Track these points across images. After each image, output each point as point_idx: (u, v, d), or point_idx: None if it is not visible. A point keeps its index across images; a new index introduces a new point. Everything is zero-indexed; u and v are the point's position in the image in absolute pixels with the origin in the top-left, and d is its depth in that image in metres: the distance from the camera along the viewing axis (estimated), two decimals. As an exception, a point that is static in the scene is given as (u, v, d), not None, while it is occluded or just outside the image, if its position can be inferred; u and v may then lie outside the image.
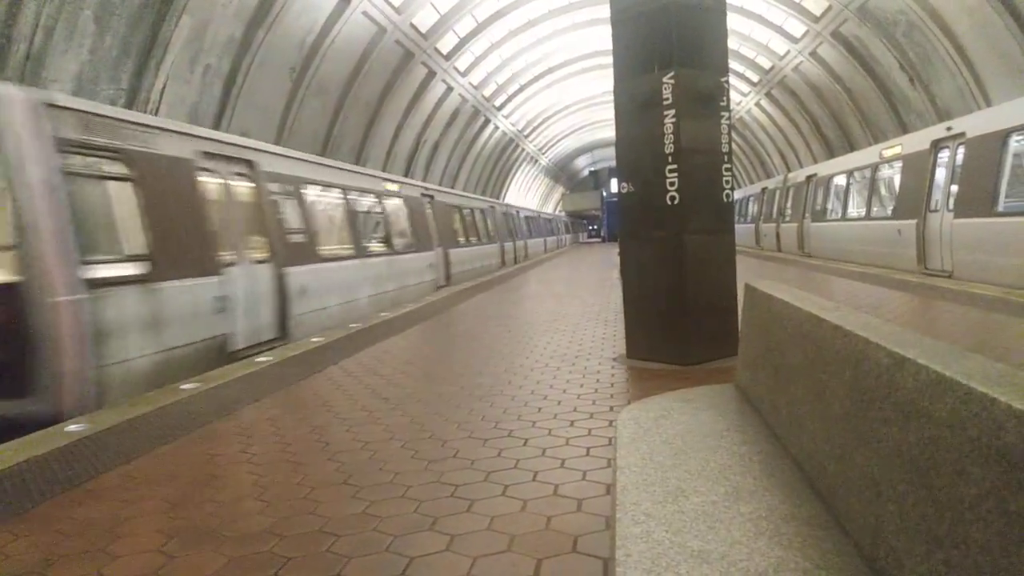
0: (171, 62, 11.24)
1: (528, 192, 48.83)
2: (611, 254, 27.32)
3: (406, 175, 22.49)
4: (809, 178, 21.69)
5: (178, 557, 2.86)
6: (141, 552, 2.93)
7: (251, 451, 4.30)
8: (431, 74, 21.06)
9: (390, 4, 16.50)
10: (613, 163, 8.46)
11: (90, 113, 6.68)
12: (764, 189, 28.49)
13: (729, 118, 6.33)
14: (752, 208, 30.59)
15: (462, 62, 22.47)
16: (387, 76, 18.93)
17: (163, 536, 3.07)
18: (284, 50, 14.30)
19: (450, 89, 23.22)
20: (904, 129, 18.33)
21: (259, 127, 14.32)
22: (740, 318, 3.96)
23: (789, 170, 27.67)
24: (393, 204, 15.61)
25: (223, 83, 13.05)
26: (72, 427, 4.99)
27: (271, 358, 7.59)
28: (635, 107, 6.29)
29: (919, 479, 1.39)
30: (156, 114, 11.13)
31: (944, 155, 12.78)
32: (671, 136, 5.98)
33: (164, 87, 11.31)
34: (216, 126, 12.89)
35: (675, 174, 5.99)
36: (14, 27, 8.55)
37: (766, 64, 24.74)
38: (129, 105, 10.72)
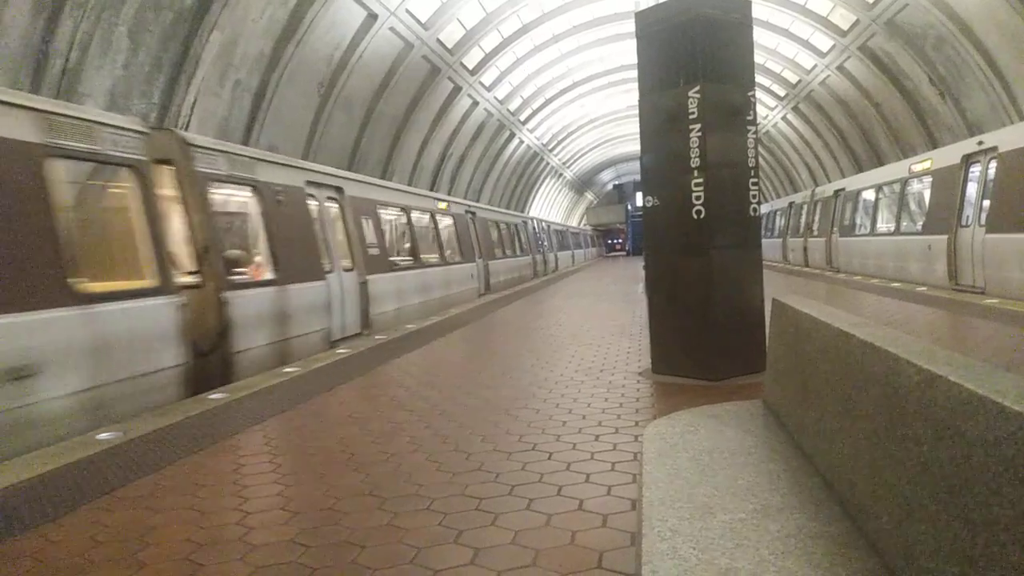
0: (202, 77, 11.46)
1: (552, 206, 48.88)
2: (635, 269, 27.26)
3: (432, 188, 22.66)
4: (837, 192, 21.49)
5: (206, 565, 2.89)
6: (169, 560, 2.96)
7: (277, 461, 4.34)
8: (457, 89, 21.24)
9: (417, 20, 16.69)
10: (638, 177, 8.54)
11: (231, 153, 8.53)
12: (791, 203, 28.26)
13: (756, 132, 6.30)
14: (779, 222, 30.33)
15: (487, 77, 22.63)
16: (413, 91, 19.12)
17: (191, 544, 3.11)
18: (312, 65, 14.51)
19: (475, 103, 23.38)
20: (934, 144, 18.10)
21: (287, 141, 14.53)
22: (767, 333, 3.93)
23: (816, 184, 27.42)
24: (445, 221, 17.44)
25: (252, 98, 13.27)
26: (103, 435, 5.08)
27: (298, 369, 7.66)
28: (661, 121, 6.28)
29: (952, 499, 1.37)
30: (187, 128, 11.35)
31: (976, 170, 12.59)
32: (697, 150, 5.96)
33: (195, 102, 11.53)
34: (245, 141, 13.10)
35: (701, 188, 5.97)
36: (51, 43, 8.78)
37: (793, 78, 24.61)
38: (161, 119, 10.94)
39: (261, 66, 13.13)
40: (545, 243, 32.56)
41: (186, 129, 11.31)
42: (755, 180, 6.26)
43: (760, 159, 6.50)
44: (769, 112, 28.56)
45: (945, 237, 13.19)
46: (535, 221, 30.96)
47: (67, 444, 4.90)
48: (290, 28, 13.19)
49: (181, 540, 3.17)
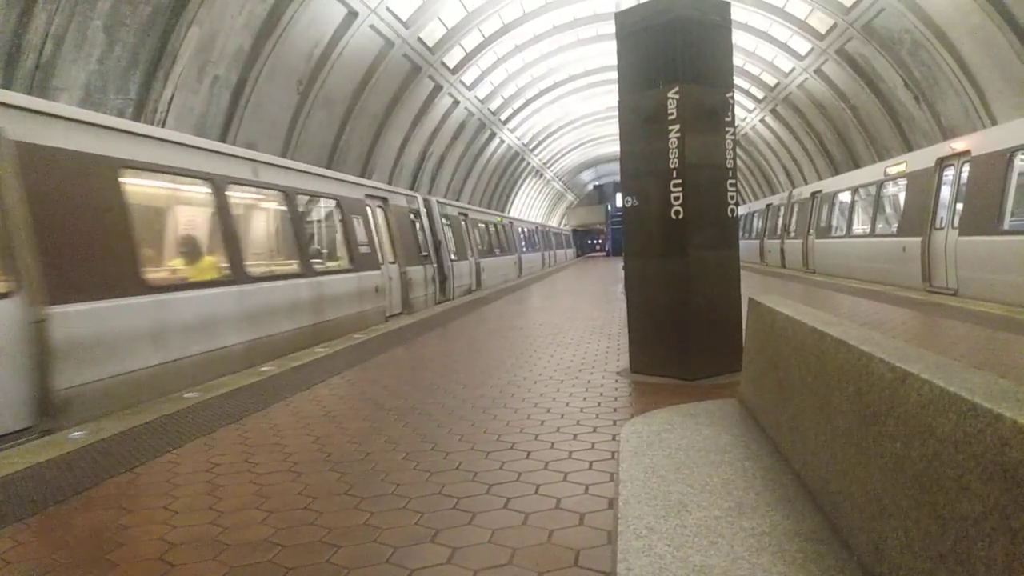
0: (179, 72, 11.32)
1: (533, 206, 48.91)
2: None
3: (412, 187, 22.59)
4: (814, 195, 21.72)
5: (179, 566, 2.86)
6: (142, 560, 2.92)
7: (253, 460, 4.30)
8: (438, 87, 21.18)
9: (398, 18, 16.62)
10: (618, 178, 8.54)
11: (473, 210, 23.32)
12: (769, 205, 28.52)
13: (734, 134, 6.34)
14: (757, 224, 30.61)
15: (468, 76, 22.60)
16: (394, 89, 19.04)
17: (164, 544, 3.07)
18: (292, 62, 14.40)
19: (456, 102, 23.34)
20: (909, 147, 18.35)
21: (266, 138, 14.40)
22: (744, 333, 3.95)
23: (794, 186, 27.70)
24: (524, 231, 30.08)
25: (231, 94, 13.14)
26: (75, 434, 5.00)
27: (274, 368, 7.60)
28: (640, 122, 6.31)
29: (922, 495, 1.39)
30: (163, 125, 11.20)
31: (949, 173, 12.79)
32: (676, 151, 5.99)
33: (172, 97, 11.38)
34: (223, 137, 12.97)
35: (679, 189, 5.99)
36: (24, 36, 8.63)
37: (771, 81, 24.83)
38: (137, 115, 10.80)
39: (240, 62, 13.00)
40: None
41: (163, 125, 11.17)
42: (733, 181, 6.31)
43: (738, 161, 6.55)
44: (747, 114, 28.81)
45: (919, 239, 13.38)
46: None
47: (38, 443, 4.82)
48: (269, 24, 13.07)
49: (154, 540, 3.12)
